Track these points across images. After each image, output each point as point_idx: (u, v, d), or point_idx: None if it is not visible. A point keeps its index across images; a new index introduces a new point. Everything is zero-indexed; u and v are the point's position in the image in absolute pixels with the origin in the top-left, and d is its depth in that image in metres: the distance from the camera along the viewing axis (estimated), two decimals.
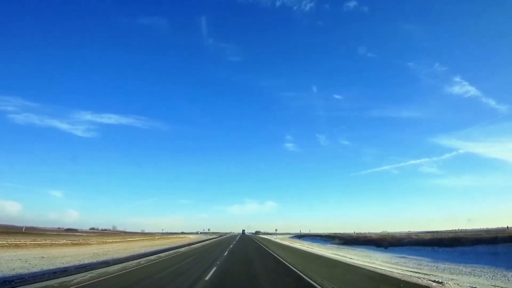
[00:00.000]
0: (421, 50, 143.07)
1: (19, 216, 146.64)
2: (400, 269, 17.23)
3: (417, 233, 65.05)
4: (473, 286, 10.37)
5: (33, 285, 7.87)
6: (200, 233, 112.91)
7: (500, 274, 14.87)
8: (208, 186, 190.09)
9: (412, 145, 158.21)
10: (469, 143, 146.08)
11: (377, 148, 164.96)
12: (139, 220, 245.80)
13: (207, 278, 9.10)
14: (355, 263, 17.04)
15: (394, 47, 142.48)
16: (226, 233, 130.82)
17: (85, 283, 8.04)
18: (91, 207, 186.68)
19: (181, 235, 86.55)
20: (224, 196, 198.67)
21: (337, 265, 15.21)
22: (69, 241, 32.67)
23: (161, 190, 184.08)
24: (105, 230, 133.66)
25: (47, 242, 30.13)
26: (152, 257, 15.45)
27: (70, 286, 7.62)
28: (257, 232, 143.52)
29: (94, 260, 16.90)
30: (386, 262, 21.21)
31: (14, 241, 27.49)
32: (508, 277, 13.98)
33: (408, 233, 66.44)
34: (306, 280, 9.39)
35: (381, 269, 15.06)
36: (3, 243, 24.55)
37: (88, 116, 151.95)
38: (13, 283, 8.01)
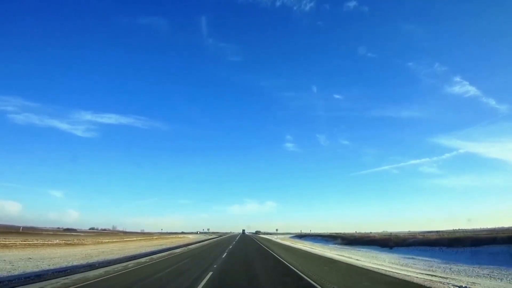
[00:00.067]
0: (421, 50, 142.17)
1: (19, 216, 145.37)
2: (413, 271, 15.84)
3: (417, 233, 63.71)
4: None
5: None
6: (200, 233, 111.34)
7: None
8: (208, 186, 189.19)
9: (412, 145, 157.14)
10: (469, 143, 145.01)
11: (377, 148, 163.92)
12: (139, 220, 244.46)
13: (199, 287, 7.68)
14: (365, 265, 15.61)
15: (394, 47, 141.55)
16: (226, 233, 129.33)
17: None
18: (91, 207, 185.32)
19: (180, 235, 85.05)
20: (224, 196, 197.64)
21: (348, 269, 13.78)
22: (63, 241, 31.24)
23: (161, 190, 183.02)
24: (104, 230, 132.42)
25: (38, 242, 28.70)
26: (143, 260, 14.01)
27: None
28: (257, 232, 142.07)
29: (83, 262, 15.54)
30: (396, 264, 19.82)
31: (3, 241, 26.07)
32: None
33: (409, 233, 64.99)
34: None
35: (396, 272, 13.67)
36: None
37: (88, 116, 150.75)
38: None
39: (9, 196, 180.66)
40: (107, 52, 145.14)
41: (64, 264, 14.90)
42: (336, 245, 41.69)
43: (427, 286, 9.04)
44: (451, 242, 28.01)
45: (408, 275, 12.73)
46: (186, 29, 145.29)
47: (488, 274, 15.20)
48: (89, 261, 15.79)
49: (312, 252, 24.88)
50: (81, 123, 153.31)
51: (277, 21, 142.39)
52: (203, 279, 8.86)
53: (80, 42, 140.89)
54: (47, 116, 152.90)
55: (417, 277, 11.35)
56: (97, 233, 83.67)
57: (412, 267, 18.24)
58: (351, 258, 21.54)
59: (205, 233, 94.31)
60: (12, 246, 24.60)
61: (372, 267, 15.09)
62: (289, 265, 13.24)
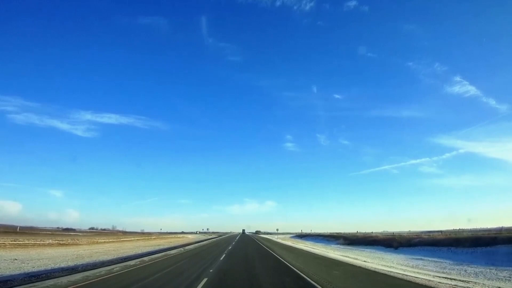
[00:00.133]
0: (421, 50, 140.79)
1: (19, 216, 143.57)
2: (427, 274, 14.55)
3: (417, 233, 62.48)
4: None
5: None
6: (199, 232, 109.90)
7: None
8: (208, 186, 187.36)
9: (412, 144, 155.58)
10: (469, 142, 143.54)
11: (377, 148, 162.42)
12: (139, 220, 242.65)
13: None
14: (375, 268, 14.26)
15: (394, 47, 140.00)
16: (226, 233, 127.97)
17: None
18: (91, 207, 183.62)
19: (179, 235, 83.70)
20: (224, 196, 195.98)
21: (360, 273, 12.42)
22: (56, 241, 29.89)
23: (161, 190, 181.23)
24: (104, 230, 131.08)
25: (30, 242, 27.33)
26: (132, 262, 12.61)
27: None
28: (257, 232, 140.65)
29: (71, 264, 14.21)
30: (405, 266, 18.47)
31: None
32: None
33: (409, 233, 63.75)
34: None
35: (410, 275, 12.36)
36: None
37: (88, 116, 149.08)
38: None
39: (9, 196, 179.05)
40: (107, 52, 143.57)
41: (49, 266, 13.60)
42: (339, 245, 40.31)
43: None
44: (459, 242, 26.68)
45: (426, 279, 11.42)
46: (186, 29, 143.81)
47: (509, 277, 13.89)
48: (77, 263, 14.48)
49: (316, 253, 23.51)
50: (81, 123, 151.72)
51: (277, 21, 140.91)
52: (200, 283, 7.60)
53: (80, 42, 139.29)
54: (47, 116, 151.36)
55: (440, 282, 10.01)
56: (95, 233, 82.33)
57: (424, 269, 16.93)
58: (357, 259, 20.20)
59: (205, 233, 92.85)
60: (0, 246, 23.27)
61: (383, 270, 13.76)
62: (294, 269, 11.88)
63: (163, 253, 18.16)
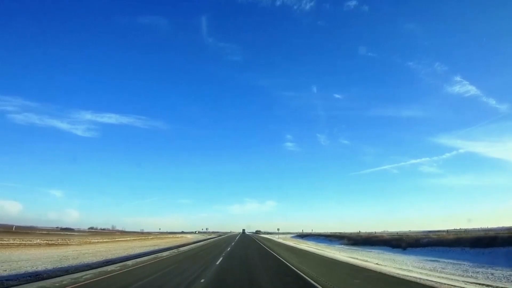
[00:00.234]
0: (421, 50, 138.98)
1: (20, 216, 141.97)
2: (452, 278, 12.63)
3: (418, 233, 60.62)
4: None
5: None
6: (198, 232, 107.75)
7: None
8: (208, 185, 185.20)
9: (412, 144, 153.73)
10: (470, 142, 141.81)
11: (377, 148, 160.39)
12: (139, 219, 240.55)
13: None
14: (394, 273, 12.31)
15: (394, 47, 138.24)
16: (226, 233, 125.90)
17: None
18: (91, 207, 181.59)
19: (178, 235, 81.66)
20: (224, 196, 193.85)
21: (381, 279, 10.48)
22: (45, 241, 27.93)
23: (161, 189, 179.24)
24: (104, 229, 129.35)
25: (15, 242, 25.36)
26: (111, 268, 10.41)
27: None
28: (257, 232, 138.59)
29: (50, 267, 12.38)
30: (422, 269, 16.54)
31: None
32: None
33: (409, 233, 61.85)
34: None
35: (437, 281, 10.46)
36: None
37: (88, 115, 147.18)
38: None
39: (9, 196, 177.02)
40: (107, 51, 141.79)
41: (23, 269, 11.74)
42: (343, 246, 38.32)
43: None
44: (474, 242, 24.78)
45: (459, 286, 9.52)
46: (186, 28, 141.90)
47: None
48: (55, 266, 12.59)
49: (322, 254, 21.54)
50: (81, 122, 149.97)
51: (277, 21, 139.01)
52: None
53: (80, 42, 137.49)
54: (47, 116, 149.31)
55: None
56: (93, 233, 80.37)
57: (444, 273, 15.01)
58: (367, 261, 18.25)
59: (204, 232, 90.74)
60: None
61: (404, 275, 11.82)
62: (303, 275, 9.93)
63: (153, 256, 16.11)
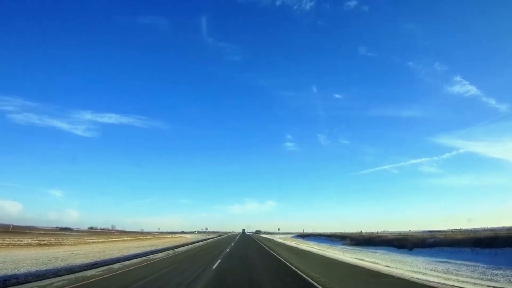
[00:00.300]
0: (421, 50, 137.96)
1: (20, 216, 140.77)
2: (473, 282, 11.39)
3: (419, 233, 59.28)
4: None
5: None
6: (198, 232, 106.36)
7: None
8: (208, 185, 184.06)
9: (412, 144, 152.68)
10: (470, 142, 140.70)
11: (377, 148, 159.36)
12: (139, 219, 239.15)
13: None
14: (408, 276, 11.05)
15: (395, 47, 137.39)
16: (226, 233, 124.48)
17: None
18: (91, 207, 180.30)
19: (177, 235, 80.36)
20: (224, 196, 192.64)
21: (401, 284, 9.22)
22: (36, 241, 26.68)
23: (161, 189, 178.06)
24: (103, 229, 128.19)
25: (4, 242, 24.10)
26: (91, 272, 9.15)
27: None
28: (258, 232, 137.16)
29: (32, 270, 11.11)
30: (434, 271, 15.29)
31: None
32: None
33: (410, 233, 60.49)
34: None
35: (459, 286, 9.25)
36: None
37: (88, 115, 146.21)
38: None
39: (9, 196, 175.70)
40: (107, 51, 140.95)
41: (2, 272, 10.54)
42: (346, 246, 37.03)
43: None
44: (484, 242, 23.52)
45: None
46: (186, 28, 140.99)
47: None
48: (39, 269, 11.35)
49: (326, 255, 20.24)
50: (81, 122, 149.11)
51: (277, 21, 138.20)
52: None
53: (80, 42, 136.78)
54: (47, 115, 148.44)
55: None
56: (92, 233, 79.11)
57: (461, 275, 13.75)
58: (376, 263, 17.00)
59: (204, 232, 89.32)
60: None
61: (423, 280, 10.56)
62: (313, 281, 8.67)
63: (145, 258, 14.80)
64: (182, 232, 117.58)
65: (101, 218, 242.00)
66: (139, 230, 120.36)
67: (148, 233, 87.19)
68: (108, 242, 35.30)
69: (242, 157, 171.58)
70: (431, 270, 15.68)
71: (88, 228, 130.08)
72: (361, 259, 18.82)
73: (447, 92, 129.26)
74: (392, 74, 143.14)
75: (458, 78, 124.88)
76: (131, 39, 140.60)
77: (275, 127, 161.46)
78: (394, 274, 11.54)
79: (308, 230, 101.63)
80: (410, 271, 14.04)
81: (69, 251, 23.03)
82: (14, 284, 7.09)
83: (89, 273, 8.99)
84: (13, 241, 24.69)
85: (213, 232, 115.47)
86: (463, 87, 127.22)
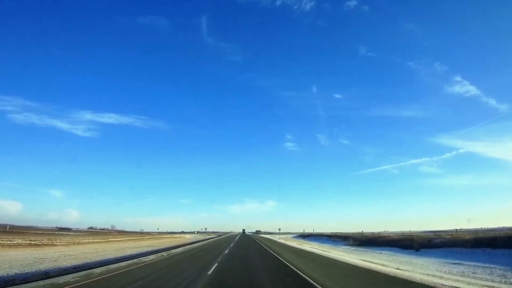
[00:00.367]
0: (421, 50, 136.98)
1: (20, 216, 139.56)
2: (496, 287, 10.19)
3: (420, 233, 57.97)
4: None
5: None
6: (197, 232, 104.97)
7: None
8: (208, 185, 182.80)
9: (412, 144, 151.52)
10: (470, 142, 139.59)
11: (377, 148, 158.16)
12: (139, 219, 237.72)
13: None
14: (432, 281, 9.81)
15: (395, 47, 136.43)
16: (226, 233, 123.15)
17: None
18: (91, 207, 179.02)
19: (176, 235, 79.07)
20: (224, 196, 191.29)
21: None
22: (27, 241, 25.43)
23: (161, 189, 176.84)
24: (103, 229, 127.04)
25: None
26: (65, 279, 7.99)
27: None
28: (258, 232, 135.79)
29: (12, 272, 9.90)
30: (450, 274, 14.05)
31: None
32: None
33: (410, 233, 59.14)
34: None
35: None
36: None
37: (88, 115, 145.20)
38: None
39: (9, 196, 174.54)
40: (107, 51, 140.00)
41: None
42: (349, 247, 35.74)
43: None
44: (496, 242, 22.27)
45: None
46: (186, 28, 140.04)
47: None
48: (20, 271, 10.17)
49: (331, 257, 18.99)
50: (81, 122, 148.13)
51: (277, 21, 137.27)
52: None
53: (80, 42, 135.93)
54: (47, 115, 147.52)
55: None
56: (90, 233, 77.86)
57: (480, 279, 12.52)
58: (385, 265, 15.77)
59: (203, 232, 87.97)
60: None
61: (444, 285, 9.35)
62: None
63: (135, 260, 13.48)
64: (182, 232, 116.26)
65: (101, 218, 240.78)
66: (138, 230, 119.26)
67: (147, 233, 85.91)
68: (104, 242, 34.06)
69: (242, 157, 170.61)
70: (446, 273, 14.45)
71: (88, 228, 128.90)
72: (369, 261, 17.58)
73: (447, 92, 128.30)
74: (392, 74, 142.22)
75: (458, 78, 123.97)
76: (131, 39, 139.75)
77: (275, 127, 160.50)
78: (412, 279, 10.29)
79: (308, 230, 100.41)
80: (425, 274, 12.81)
81: (60, 252, 21.82)
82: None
83: (64, 279, 7.76)
84: (2, 241, 23.44)
85: (212, 232, 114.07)
86: (463, 87, 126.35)
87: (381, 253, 26.47)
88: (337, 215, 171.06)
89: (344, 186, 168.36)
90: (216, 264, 11.74)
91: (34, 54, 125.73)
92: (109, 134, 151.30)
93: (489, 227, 66.46)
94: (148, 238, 51.55)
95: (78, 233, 67.78)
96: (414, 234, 50.26)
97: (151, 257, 15.29)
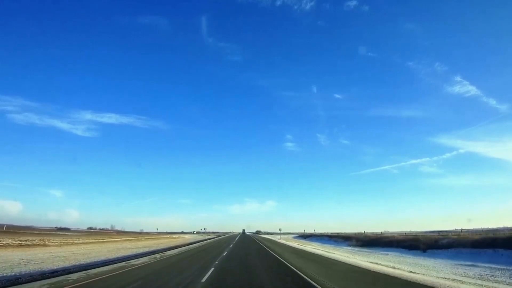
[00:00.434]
0: (421, 50, 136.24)
1: (20, 216, 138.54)
2: None
3: (418, 233, 56.71)
4: None
5: None
6: (197, 232, 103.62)
7: None
8: (208, 185, 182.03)
9: (412, 144, 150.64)
10: (470, 142, 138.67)
11: (378, 148, 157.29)
12: (139, 219, 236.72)
13: None
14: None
15: (395, 47, 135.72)
16: (226, 233, 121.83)
17: None
18: (91, 207, 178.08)
19: (175, 235, 77.83)
20: (224, 196, 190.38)
21: None
22: (17, 242, 24.24)
23: (161, 189, 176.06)
24: (103, 229, 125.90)
25: None
26: (34, 286, 6.87)
27: None
28: (258, 232, 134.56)
29: None
30: (467, 277, 12.86)
31: None
32: None
33: (410, 233, 57.88)
34: None
35: None
36: None
37: (88, 115, 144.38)
38: None
39: (9, 196, 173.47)
40: (107, 51, 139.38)
41: None
42: (352, 248, 34.51)
43: None
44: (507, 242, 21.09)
45: None
46: (186, 28, 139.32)
47: None
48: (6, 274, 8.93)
49: (338, 259, 17.75)
50: (81, 122, 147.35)
51: (277, 21, 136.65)
52: None
53: (80, 42, 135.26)
54: (47, 115, 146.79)
55: None
56: (89, 233, 76.68)
57: (502, 282, 11.34)
58: (396, 268, 14.56)
59: (203, 233, 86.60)
60: None
61: None
62: None
63: (123, 263, 12.18)
64: (182, 232, 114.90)
65: (101, 218, 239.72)
66: (138, 230, 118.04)
67: (146, 234, 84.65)
68: (99, 243, 32.83)
69: (242, 157, 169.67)
70: (462, 276, 13.25)
71: (88, 228, 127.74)
72: (377, 263, 16.38)
73: (447, 92, 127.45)
74: (392, 74, 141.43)
75: (458, 78, 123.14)
76: (131, 39, 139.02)
77: (275, 127, 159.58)
78: (430, 283, 9.09)
79: (308, 230, 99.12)
80: (442, 278, 11.61)
81: (50, 252, 20.62)
82: None
83: (32, 286, 6.51)
84: None
85: (212, 233, 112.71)
86: (463, 87, 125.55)
87: (387, 254, 25.25)
88: (337, 215, 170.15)
89: (344, 186, 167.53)
90: (212, 269, 10.42)
91: (34, 54, 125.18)
92: (109, 134, 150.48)
93: (489, 227, 65.37)
94: (146, 238, 50.31)
95: (76, 234, 66.58)
96: (415, 234, 49.03)
97: (142, 259, 14.04)
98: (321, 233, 76.85)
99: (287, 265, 13.15)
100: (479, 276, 13.36)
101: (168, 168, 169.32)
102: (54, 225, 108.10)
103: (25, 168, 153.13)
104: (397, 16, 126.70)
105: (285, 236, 77.56)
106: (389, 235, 43.56)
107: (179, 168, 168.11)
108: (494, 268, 16.02)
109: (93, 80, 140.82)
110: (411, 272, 13.03)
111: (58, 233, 61.48)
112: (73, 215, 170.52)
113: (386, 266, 15.09)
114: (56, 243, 26.99)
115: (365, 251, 28.60)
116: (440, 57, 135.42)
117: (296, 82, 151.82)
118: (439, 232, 54.04)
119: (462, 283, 10.62)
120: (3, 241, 23.46)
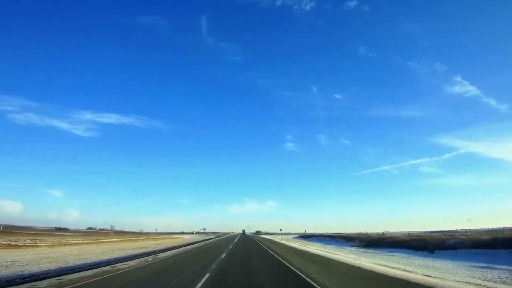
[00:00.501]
0: (421, 50, 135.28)
1: (20, 216, 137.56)
2: None
3: (419, 233, 55.48)
4: None
5: None
6: (196, 233, 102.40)
7: None
8: (208, 185, 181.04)
9: (412, 144, 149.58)
10: (470, 142, 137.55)
11: (378, 148, 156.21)
12: (139, 219, 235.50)
13: None
14: None
15: (395, 47, 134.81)
16: (226, 233, 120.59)
17: None
18: (91, 207, 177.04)
19: (174, 236, 76.65)
20: (224, 196, 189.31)
21: None
22: (6, 243, 23.10)
23: (161, 189, 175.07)
24: (102, 229, 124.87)
25: None
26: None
27: None
28: (258, 232, 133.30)
29: None
30: (487, 280, 11.73)
31: None
32: None
33: (410, 233, 56.60)
34: None
35: None
36: None
37: (88, 115, 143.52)
38: None
39: (9, 196, 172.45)
40: (107, 51, 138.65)
41: None
42: (356, 248, 33.32)
43: None
44: None
45: None
46: (186, 28, 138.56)
47: None
48: None
49: (347, 262, 16.58)
50: (81, 122, 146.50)
51: (277, 21, 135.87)
52: None
53: (80, 42, 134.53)
54: (47, 115, 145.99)
55: None
56: (88, 233, 75.58)
57: None
58: (410, 271, 13.41)
59: (202, 233, 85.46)
60: None
61: None
62: None
63: (108, 267, 10.97)
64: (182, 233, 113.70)
65: (101, 218, 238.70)
66: (138, 231, 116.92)
67: (145, 234, 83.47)
68: (94, 243, 31.67)
69: (242, 157, 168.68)
70: (483, 279, 12.07)
71: (87, 229, 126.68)
72: (386, 265, 15.22)
73: (447, 92, 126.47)
74: (392, 74, 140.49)
75: (458, 78, 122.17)
76: (131, 39, 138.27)
77: (275, 127, 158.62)
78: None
79: (309, 230, 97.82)
80: (461, 282, 10.45)
81: (40, 254, 19.46)
82: None
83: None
84: None
85: (212, 233, 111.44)
86: (463, 87, 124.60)
87: (393, 255, 24.07)
88: (337, 215, 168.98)
89: (344, 186, 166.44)
90: (208, 274, 9.20)
91: (34, 54, 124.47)
92: (109, 134, 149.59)
93: (489, 227, 64.23)
94: (144, 239, 49.12)
95: (73, 234, 65.41)
96: (417, 234, 47.82)
97: (132, 262, 12.84)
98: (322, 233, 75.66)
99: (293, 269, 11.99)
100: (501, 279, 12.18)
101: (168, 168, 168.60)
102: (54, 225, 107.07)
103: (25, 168, 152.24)
104: (397, 16, 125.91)
105: (286, 237, 76.32)
106: (393, 235, 42.33)
107: (179, 168, 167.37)
108: None
109: (93, 80, 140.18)
110: (426, 275, 11.88)
111: (55, 233, 60.33)
112: (73, 215, 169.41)
113: (397, 268, 13.94)
114: (48, 244, 25.85)
115: (370, 252, 27.41)
116: (440, 57, 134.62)
117: (296, 82, 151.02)
118: (442, 232, 52.86)
119: (483, 286, 9.48)
120: None
